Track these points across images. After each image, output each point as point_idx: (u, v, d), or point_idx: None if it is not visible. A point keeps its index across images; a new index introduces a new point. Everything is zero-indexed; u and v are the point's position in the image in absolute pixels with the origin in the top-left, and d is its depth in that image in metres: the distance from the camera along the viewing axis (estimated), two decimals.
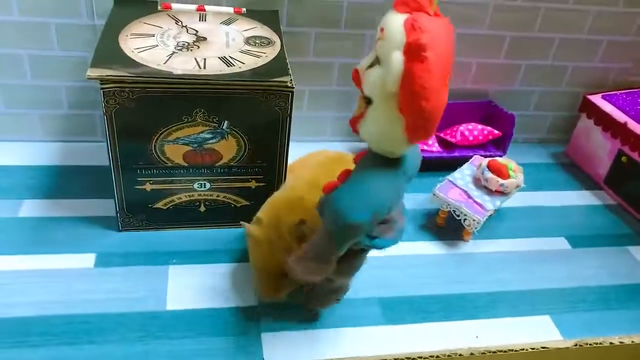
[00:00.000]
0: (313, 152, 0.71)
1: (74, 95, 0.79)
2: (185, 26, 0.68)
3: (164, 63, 0.60)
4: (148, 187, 0.66)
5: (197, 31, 0.67)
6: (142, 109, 0.59)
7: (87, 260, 0.65)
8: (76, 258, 0.65)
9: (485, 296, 0.68)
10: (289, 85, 0.60)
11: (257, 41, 0.67)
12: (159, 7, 0.71)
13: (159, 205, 0.68)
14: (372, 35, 0.81)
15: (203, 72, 0.59)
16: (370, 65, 0.45)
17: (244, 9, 0.73)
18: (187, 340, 0.58)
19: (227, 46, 0.65)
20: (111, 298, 0.61)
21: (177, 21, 0.68)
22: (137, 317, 0.60)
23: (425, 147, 0.84)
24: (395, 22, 0.42)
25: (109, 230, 0.69)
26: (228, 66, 0.61)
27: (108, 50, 0.61)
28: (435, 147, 0.86)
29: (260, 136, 0.64)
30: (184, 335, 0.59)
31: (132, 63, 0.59)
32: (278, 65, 0.63)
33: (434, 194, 0.74)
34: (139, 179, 0.65)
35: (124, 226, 0.69)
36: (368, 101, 0.45)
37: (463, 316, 0.65)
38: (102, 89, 0.57)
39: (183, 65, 0.60)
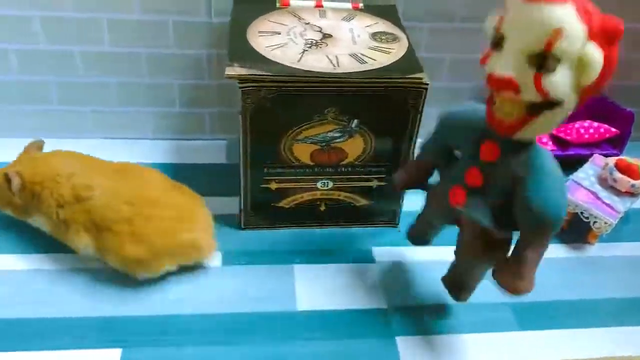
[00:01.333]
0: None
1: (186, 93, 0.80)
2: (308, 23, 0.67)
3: (298, 61, 0.59)
4: (273, 186, 0.65)
5: (321, 28, 0.66)
6: (277, 107, 0.59)
7: (214, 259, 0.65)
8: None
9: (617, 302, 0.65)
10: (424, 81, 0.59)
11: (383, 37, 0.65)
12: (278, 4, 0.70)
13: (282, 204, 0.67)
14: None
15: (338, 70, 0.58)
16: (540, 69, 0.41)
17: (361, 4, 0.71)
18: (322, 342, 0.58)
19: (354, 43, 0.64)
20: (241, 297, 0.61)
21: (299, 18, 0.68)
22: (270, 317, 0.60)
23: None
24: (567, 16, 0.40)
25: (230, 228, 0.69)
26: (361, 64, 0.60)
27: (241, 48, 0.61)
28: (550, 145, 0.82)
29: (387, 134, 0.63)
30: (319, 337, 0.58)
31: (268, 61, 0.59)
32: (410, 61, 0.61)
33: None
34: (265, 177, 0.65)
35: (246, 224, 0.69)
36: (537, 106, 0.43)
37: (596, 323, 0.62)
38: (240, 88, 0.57)
39: (317, 63, 0.59)
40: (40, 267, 0.62)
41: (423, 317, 0.61)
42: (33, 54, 0.74)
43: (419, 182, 0.58)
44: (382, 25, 0.68)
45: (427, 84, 0.59)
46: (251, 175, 0.64)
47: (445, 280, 0.61)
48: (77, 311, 0.58)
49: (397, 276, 0.65)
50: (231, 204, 0.72)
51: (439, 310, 0.62)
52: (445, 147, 0.53)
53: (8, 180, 0.61)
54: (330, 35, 0.65)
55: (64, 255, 0.63)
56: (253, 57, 0.59)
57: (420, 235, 0.63)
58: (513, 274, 0.49)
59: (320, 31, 0.65)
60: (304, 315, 0.60)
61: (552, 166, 0.47)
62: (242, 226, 0.69)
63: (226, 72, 0.57)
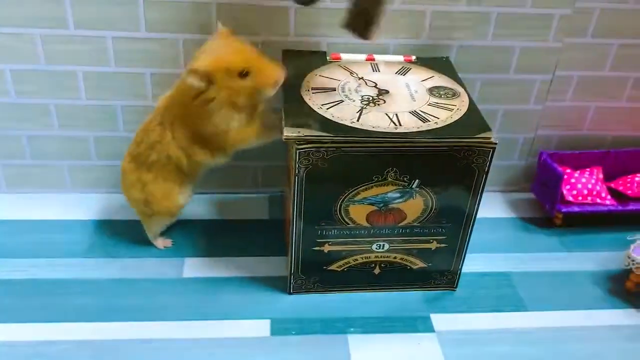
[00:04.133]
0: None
1: None
2: (362, 78, 0.64)
3: (357, 120, 0.56)
4: (326, 248, 0.62)
5: (375, 83, 0.63)
6: (335, 168, 0.55)
7: (261, 327, 0.61)
8: (250, 325, 0.61)
9: None
10: (492, 141, 0.55)
11: (442, 92, 0.62)
12: (328, 58, 0.68)
13: (334, 267, 0.64)
14: (542, 80, 0.75)
15: (400, 129, 0.55)
16: None
17: (414, 57, 0.69)
18: None
19: (412, 99, 0.61)
20: None
21: (351, 72, 0.65)
22: None
23: (599, 200, 0.77)
24: None
25: (278, 292, 0.66)
26: (423, 122, 0.57)
27: (296, 107, 0.58)
28: (608, 200, 0.78)
29: (450, 195, 0.59)
30: None
31: (326, 121, 0.56)
32: (474, 119, 0.58)
33: (630, 257, 0.66)
34: (318, 239, 0.61)
35: (295, 289, 0.65)
36: None
37: None
38: (297, 149, 0.54)
39: (377, 122, 0.56)
40: None
41: None
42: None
43: None
44: (439, 79, 0.65)
45: (496, 144, 0.55)
46: (304, 236, 0.60)
47: (349, 23, 0.56)
48: None
49: (459, 349, 0.61)
50: (277, 266, 0.68)
51: None
52: None
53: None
54: (386, 91, 0.62)
55: None
56: (310, 116, 0.56)
57: None
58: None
59: (375, 86, 0.63)
60: None
61: None
62: (291, 290, 0.65)
63: (284, 134, 0.54)
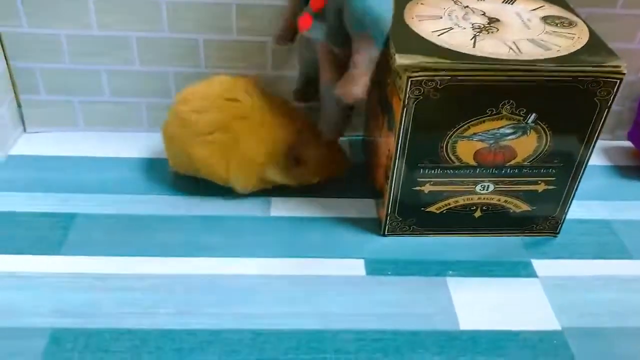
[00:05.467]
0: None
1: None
2: (468, 6, 0.59)
3: (473, 47, 0.52)
4: (427, 188, 0.59)
5: (484, 12, 0.59)
6: (446, 100, 0.52)
7: (356, 267, 0.59)
8: (344, 264, 0.59)
9: None
10: (622, 70, 0.51)
11: (557, 21, 0.57)
12: None
13: (432, 208, 0.60)
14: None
15: (521, 56, 0.51)
16: None
17: None
18: None
19: (527, 27, 0.56)
20: (396, 312, 0.55)
21: (455, 1, 0.60)
22: (432, 336, 0.53)
23: None
24: None
25: (371, 234, 0.63)
26: (545, 50, 0.52)
27: (404, 34, 0.54)
28: None
29: (566, 131, 0.55)
30: None
31: (439, 48, 0.52)
32: (599, 47, 0.53)
33: None
34: (419, 179, 0.58)
35: (390, 230, 0.62)
36: None
37: None
38: (410, 78, 0.50)
39: (495, 49, 0.52)
40: None
41: (605, 342, 0.53)
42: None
43: (293, 34, 0.63)
44: (550, 9, 0.60)
45: (624, 74, 0.51)
46: (404, 175, 0.57)
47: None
48: None
49: (564, 295, 0.57)
50: (365, 207, 0.65)
51: (623, 334, 0.54)
52: None
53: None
54: (497, 20, 0.57)
55: None
56: (421, 44, 0.52)
57: (302, 92, 0.68)
58: (346, 80, 0.53)
59: (484, 15, 0.58)
60: (469, 337, 0.53)
61: None
62: (385, 232, 0.62)
63: (397, 62, 0.50)
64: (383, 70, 0.56)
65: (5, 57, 0.69)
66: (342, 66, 0.55)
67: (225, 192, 0.66)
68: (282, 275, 0.57)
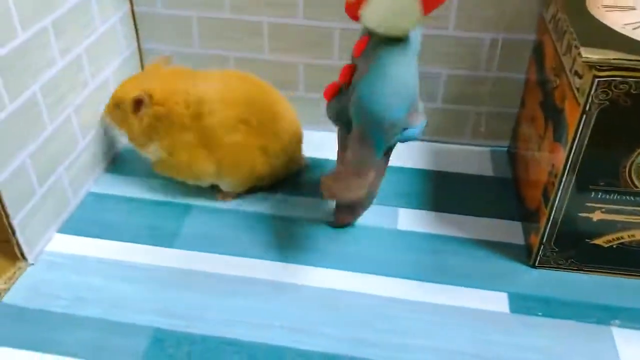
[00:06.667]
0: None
1: (452, 85, 0.65)
2: None
3: None
4: (597, 216, 0.48)
5: None
6: (639, 109, 0.41)
7: (498, 301, 0.50)
8: (485, 297, 0.50)
9: None
10: None
11: None
12: None
13: (599, 241, 0.50)
14: None
15: None
16: None
17: None
18: None
19: None
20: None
21: None
22: None
23: None
24: None
25: (517, 263, 0.53)
26: None
27: (588, 25, 0.44)
28: None
29: None
30: None
31: (636, 44, 0.41)
32: None
33: None
34: (589, 203, 0.47)
35: (542, 262, 0.52)
36: None
37: None
38: (597, 77, 0.40)
39: None
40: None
41: None
42: None
43: None
44: None
45: None
46: (570, 198, 0.47)
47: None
48: None
49: None
50: (510, 231, 0.56)
51: None
52: None
53: (137, 101, 0.55)
54: None
55: None
56: (612, 37, 0.42)
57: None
58: (328, 175, 0.49)
59: None
60: None
61: (393, 63, 0.43)
62: (535, 263, 0.52)
63: (583, 55, 0.40)
64: (548, 66, 0.47)
65: (137, 38, 0.68)
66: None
67: None
68: (411, 301, 0.50)
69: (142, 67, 0.70)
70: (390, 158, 0.54)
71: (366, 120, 0.45)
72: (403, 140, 0.50)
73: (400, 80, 0.44)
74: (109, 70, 0.63)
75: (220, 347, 0.45)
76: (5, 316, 0.48)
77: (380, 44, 0.43)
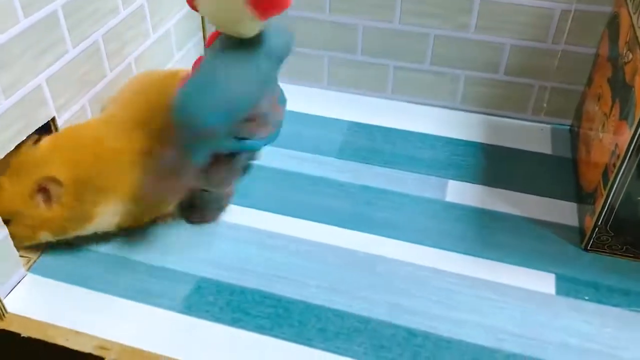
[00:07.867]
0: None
1: (517, 57, 0.63)
2: None
3: None
4: None
5: None
6: None
7: (545, 282, 0.48)
8: (532, 276, 0.49)
9: None
10: None
11: None
12: None
13: None
14: None
15: None
16: None
17: None
18: None
19: None
20: (590, 349, 0.43)
21: None
22: None
23: None
24: None
25: (568, 244, 0.51)
26: None
27: None
28: None
29: None
30: None
31: None
32: None
33: None
34: None
35: (595, 245, 0.50)
36: None
37: None
38: None
39: None
40: None
41: None
42: None
43: None
44: None
45: None
46: (632, 181, 0.45)
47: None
48: None
49: None
50: (565, 212, 0.54)
51: None
52: None
53: (42, 190, 0.45)
54: None
55: None
56: None
57: None
58: (153, 176, 0.46)
59: None
60: None
61: (219, 67, 0.41)
62: (587, 247, 0.50)
63: None
64: (622, 40, 0.44)
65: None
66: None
67: (403, 164, 0.59)
68: (454, 274, 0.49)
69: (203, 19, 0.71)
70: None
71: (176, 124, 0.42)
72: (244, 150, 0.47)
73: (223, 79, 0.41)
74: (171, 23, 0.64)
75: (258, 299, 0.46)
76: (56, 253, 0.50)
77: (225, 42, 0.41)
